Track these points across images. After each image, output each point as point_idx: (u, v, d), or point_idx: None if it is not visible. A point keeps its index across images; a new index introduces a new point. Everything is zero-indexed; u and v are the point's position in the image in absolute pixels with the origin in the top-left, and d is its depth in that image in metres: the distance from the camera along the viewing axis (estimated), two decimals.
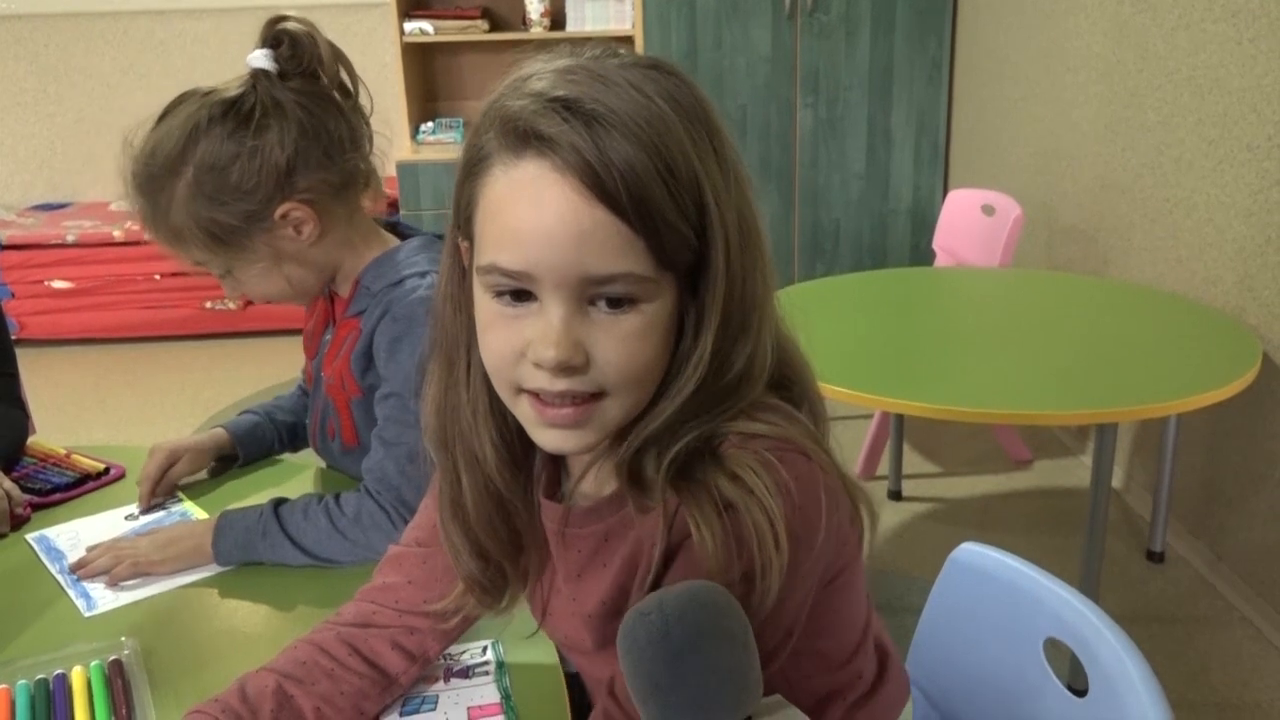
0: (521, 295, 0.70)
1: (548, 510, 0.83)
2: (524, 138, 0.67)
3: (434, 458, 0.83)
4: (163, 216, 1.17)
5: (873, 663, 0.91)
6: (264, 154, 1.14)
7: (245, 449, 1.42)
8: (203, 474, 1.41)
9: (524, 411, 0.73)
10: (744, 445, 0.71)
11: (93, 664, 0.99)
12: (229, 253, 1.19)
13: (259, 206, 1.16)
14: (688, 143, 0.68)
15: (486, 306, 0.72)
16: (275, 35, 1.17)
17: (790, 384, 0.78)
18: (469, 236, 0.73)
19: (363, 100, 1.24)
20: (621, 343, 0.69)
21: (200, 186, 1.14)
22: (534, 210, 0.67)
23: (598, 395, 0.71)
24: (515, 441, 0.80)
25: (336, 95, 1.21)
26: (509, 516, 0.83)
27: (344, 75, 1.21)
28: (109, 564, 1.16)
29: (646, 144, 0.66)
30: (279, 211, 1.17)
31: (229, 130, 1.14)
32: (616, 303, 0.69)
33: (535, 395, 0.71)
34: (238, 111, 1.15)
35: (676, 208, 0.67)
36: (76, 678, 0.97)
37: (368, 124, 1.24)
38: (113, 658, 1.00)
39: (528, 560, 0.86)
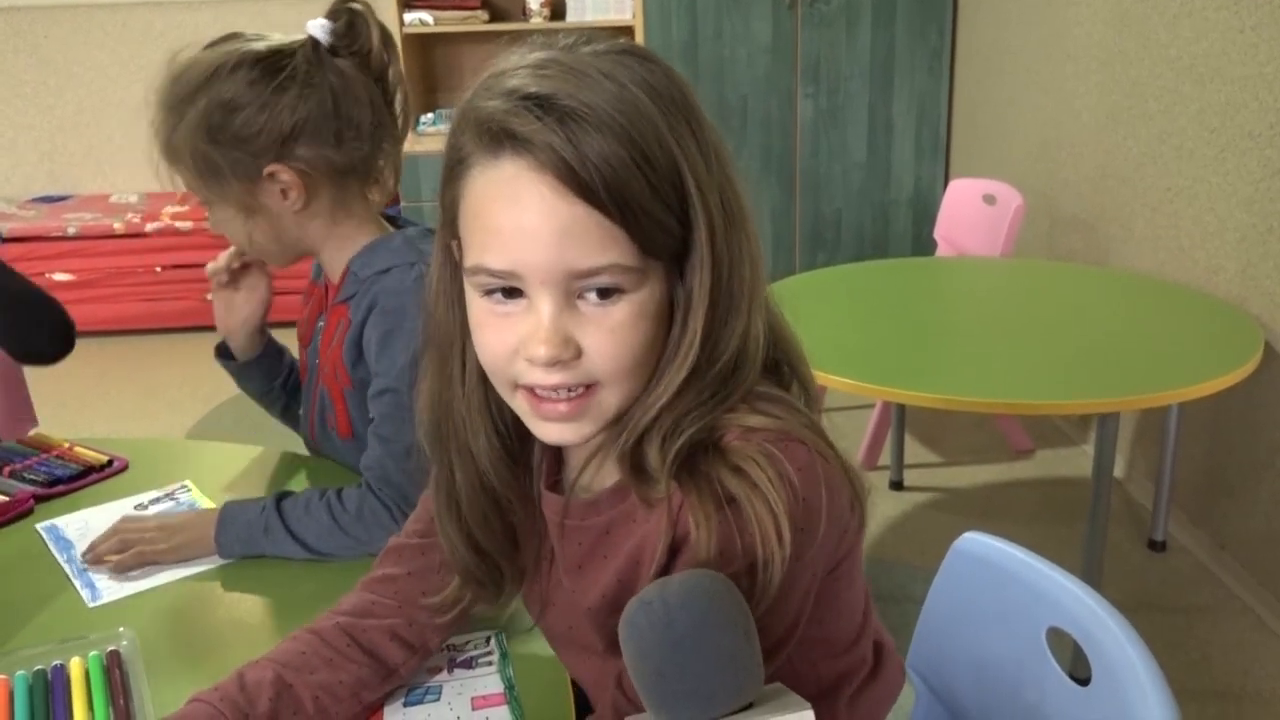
0: (511, 292, 0.70)
1: (549, 501, 0.83)
2: (499, 138, 0.67)
3: (429, 454, 0.84)
4: (168, 133, 1.20)
5: (871, 648, 0.92)
6: (272, 112, 1.17)
7: (268, 356, 1.44)
8: (204, 466, 1.41)
9: (521, 406, 0.74)
10: (747, 438, 0.71)
11: (91, 655, 0.99)
12: (210, 187, 1.22)
13: (249, 158, 1.19)
14: (664, 129, 0.68)
15: (478, 305, 0.72)
16: (337, 10, 1.21)
17: (782, 366, 0.79)
18: (456, 236, 0.74)
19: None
20: (612, 333, 0.70)
21: (207, 119, 1.17)
22: (514, 210, 0.67)
23: (592, 386, 0.71)
24: (510, 435, 0.81)
25: (390, 80, 1.23)
26: (503, 512, 0.84)
27: (389, 69, 1.23)
28: (115, 548, 1.16)
29: (622, 135, 0.66)
30: (267, 170, 1.19)
31: (252, 79, 1.17)
32: (605, 293, 0.69)
33: (531, 390, 0.72)
34: (269, 65, 1.18)
35: (656, 196, 0.67)
36: (75, 668, 0.97)
37: (399, 124, 1.26)
38: (111, 648, 1.00)
39: (524, 555, 0.86)
